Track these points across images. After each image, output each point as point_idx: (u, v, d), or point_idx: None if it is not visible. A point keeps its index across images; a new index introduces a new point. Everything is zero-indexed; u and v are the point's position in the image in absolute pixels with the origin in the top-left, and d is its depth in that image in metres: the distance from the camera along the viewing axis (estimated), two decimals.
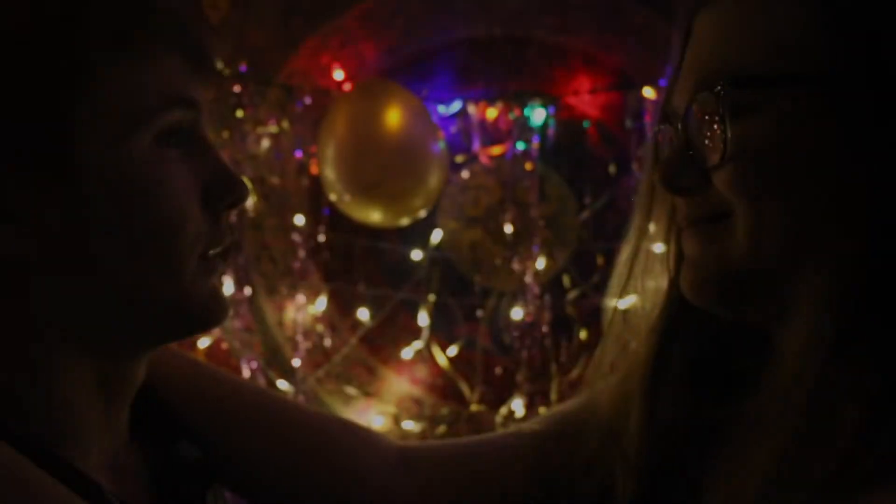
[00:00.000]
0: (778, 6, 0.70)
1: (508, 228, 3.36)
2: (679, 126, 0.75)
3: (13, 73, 0.63)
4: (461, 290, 3.42)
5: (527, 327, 3.36)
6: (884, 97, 0.66)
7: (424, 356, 3.41)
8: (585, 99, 3.32)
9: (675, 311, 0.81)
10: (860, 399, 0.63)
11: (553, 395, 3.36)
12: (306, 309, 3.30)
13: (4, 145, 0.63)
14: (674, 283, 0.81)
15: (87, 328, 0.69)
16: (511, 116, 3.32)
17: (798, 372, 0.67)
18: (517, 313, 3.36)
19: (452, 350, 3.43)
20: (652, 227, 0.83)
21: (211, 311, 0.73)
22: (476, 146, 3.35)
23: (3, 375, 0.69)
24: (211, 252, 0.73)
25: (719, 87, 0.70)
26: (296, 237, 3.27)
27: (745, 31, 0.72)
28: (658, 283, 0.84)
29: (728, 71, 0.71)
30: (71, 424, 0.71)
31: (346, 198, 3.01)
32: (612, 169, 3.32)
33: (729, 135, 0.69)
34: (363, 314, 3.39)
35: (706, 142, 0.72)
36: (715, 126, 0.71)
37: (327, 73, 3.23)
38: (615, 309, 0.85)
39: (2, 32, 0.63)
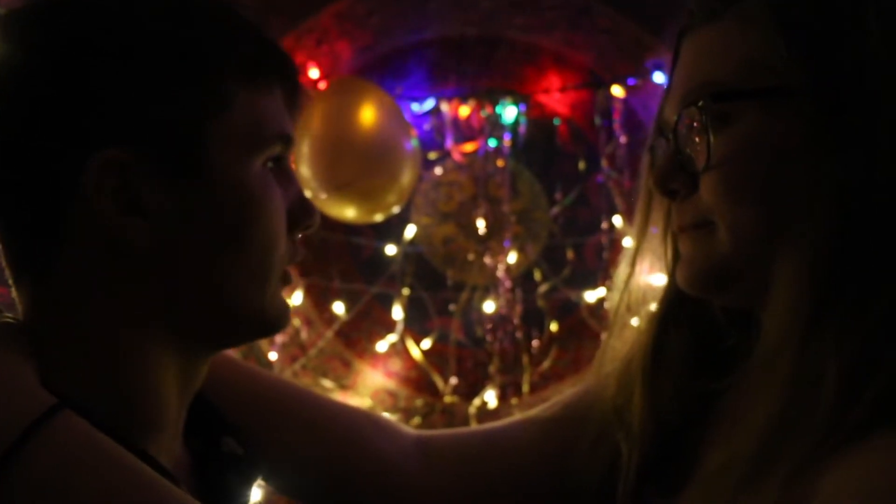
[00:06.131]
0: (748, 29, 0.80)
1: (481, 224, 3.42)
2: (670, 136, 0.84)
3: (166, 94, 0.74)
4: (434, 285, 3.48)
5: (499, 320, 3.43)
6: (839, 103, 0.76)
7: (399, 349, 3.46)
8: (556, 97, 3.39)
9: (672, 300, 0.90)
10: (841, 361, 0.71)
11: (525, 387, 3.43)
12: None
13: (150, 150, 0.73)
14: (671, 277, 0.89)
15: (180, 325, 0.76)
16: (483, 114, 3.38)
17: (781, 343, 0.76)
18: (489, 307, 3.43)
19: (426, 343, 3.48)
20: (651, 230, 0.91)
21: (282, 319, 0.82)
22: (449, 143, 3.40)
23: (101, 362, 0.74)
24: (286, 267, 0.83)
25: (702, 102, 0.80)
26: None
27: (722, 52, 0.82)
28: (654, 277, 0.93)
29: (709, 87, 0.81)
30: (155, 417, 0.77)
31: (322, 195, 3.04)
32: (581, 165, 3.41)
33: (711, 142, 0.79)
34: (338, 308, 3.44)
35: (693, 149, 0.82)
36: (700, 135, 0.81)
37: (303, 71, 3.26)
38: (619, 301, 0.93)
39: (161, 62, 0.74)
